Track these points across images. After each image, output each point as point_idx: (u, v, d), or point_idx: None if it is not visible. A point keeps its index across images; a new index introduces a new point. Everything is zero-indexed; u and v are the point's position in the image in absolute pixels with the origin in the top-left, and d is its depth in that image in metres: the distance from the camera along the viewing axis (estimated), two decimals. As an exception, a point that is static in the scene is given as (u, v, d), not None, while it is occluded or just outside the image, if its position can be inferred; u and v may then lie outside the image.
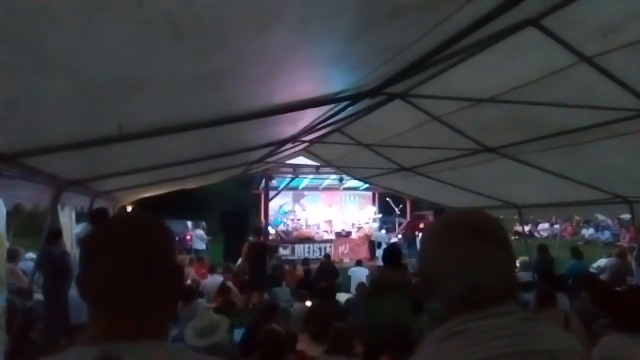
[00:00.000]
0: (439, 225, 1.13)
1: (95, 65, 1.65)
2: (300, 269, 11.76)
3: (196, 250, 16.09)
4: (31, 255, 8.63)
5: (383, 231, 18.11)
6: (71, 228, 7.39)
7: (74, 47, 1.45)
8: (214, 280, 9.73)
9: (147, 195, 8.26)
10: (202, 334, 4.14)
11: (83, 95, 1.98)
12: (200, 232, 18.24)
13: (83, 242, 1.01)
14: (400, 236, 18.65)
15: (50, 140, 2.58)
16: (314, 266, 12.08)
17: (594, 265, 10.91)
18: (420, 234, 18.57)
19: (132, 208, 8.38)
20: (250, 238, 10.27)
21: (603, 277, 9.26)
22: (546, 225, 22.55)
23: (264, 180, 16.70)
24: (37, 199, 3.83)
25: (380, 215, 19.01)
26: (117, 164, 4.34)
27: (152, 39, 1.49)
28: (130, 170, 4.65)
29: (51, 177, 3.83)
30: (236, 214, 16.27)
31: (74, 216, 7.33)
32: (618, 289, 6.30)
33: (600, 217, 10.28)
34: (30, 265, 7.63)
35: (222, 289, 8.46)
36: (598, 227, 21.20)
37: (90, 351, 0.88)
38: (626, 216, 6.81)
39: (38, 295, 6.35)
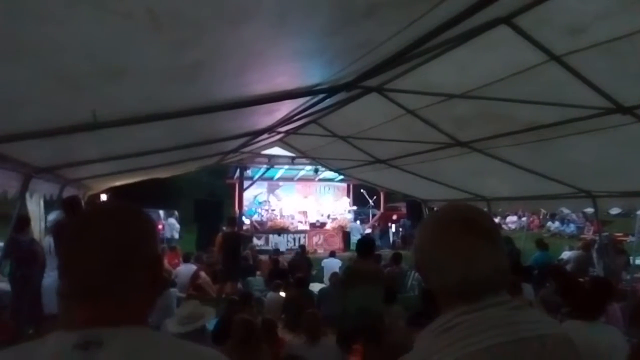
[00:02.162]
0: (433, 220, 1.17)
1: (70, 54, 1.63)
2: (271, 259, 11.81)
3: (168, 240, 15.92)
4: (-2, 243, 8.38)
5: (358, 222, 18.28)
6: (39, 216, 7.22)
7: (50, 35, 1.43)
8: (187, 269, 9.68)
9: (118, 183, 8.12)
10: (184, 322, 4.13)
11: (56, 83, 1.95)
12: (172, 221, 18.01)
13: (64, 229, 1.01)
14: (374, 227, 18.85)
15: (20, 127, 2.53)
16: (287, 256, 12.16)
17: (559, 257, 11.29)
18: (393, 225, 18.83)
19: (109, 197, 8.23)
20: (224, 228, 10.21)
21: (567, 268, 9.61)
22: (514, 218, 23.14)
23: (238, 170, 16.61)
24: (5, 186, 3.75)
25: (355, 208, 19.17)
26: (88, 152, 4.27)
27: (130, 30, 1.49)
28: (102, 158, 4.58)
29: (20, 164, 3.75)
30: (210, 204, 16.10)
31: (42, 204, 7.16)
32: (581, 279, 6.56)
33: (565, 210, 10.62)
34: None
35: (194, 277, 8.45)
36: (564, 221, 21.86)
37: (70, 336, 0.89)
38: (589, 210, 7.06)
39: (4, 284, 6.21)
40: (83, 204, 5.91)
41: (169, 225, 17.78)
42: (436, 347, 1.02)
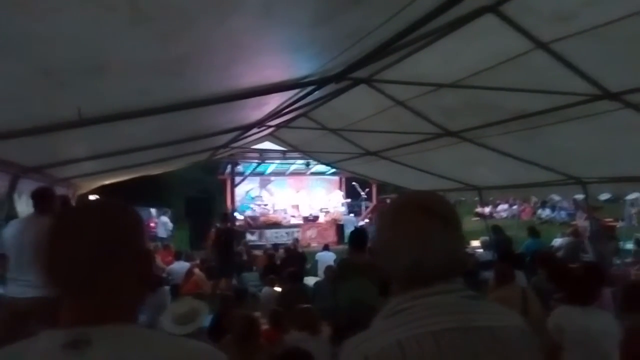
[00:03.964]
0: (390, 205, 1.17)
1: (53, 48, 1.61)
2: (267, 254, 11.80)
3: (161, 239, 15.82)
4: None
5: (352, 215, 18.30)
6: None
7: (32, 30, 1.41)
8: (180, 266, 9.66)
9: (108, 182, 8.05)
10: (182, 321, 4.10)
11: (40, 79, 1.92)
12: (165, 219, 17.87)
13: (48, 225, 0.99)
14: (368, 220, 18.89)
15: (5, 125, 2.49)
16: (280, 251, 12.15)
17: (550, 244, 11.37)
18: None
19: (98, 195, 8.15)
20: (218, 224, 10.18)
21: (558, 255, 9.69)
22: (505, 206, 23.30)
23: (229, 166, 16.53)
24: (-8, 186, 3.71)
25: (348, 200, 19.20)
26: (76, 150, 4.23)
27: (113, 22, 1.46)
28: (90, 157, 4.54)
29: (6, 164, 3.70)
30: (202, 200, 16.08)
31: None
32: (572, 265, 6.62)
33: (556, 197, 10.75)
34: None
35: (188, 274, 8.43)
36: (554, 208, 22.03)
37: (59, 335, 0.88)
38: (580, 196, 7.12)
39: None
40: (72, 203, 5.85)
41: (162, 223, 17.66)
42: (380, 329, 1.03)
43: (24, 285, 3.74)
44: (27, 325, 3.51)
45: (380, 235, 1.13)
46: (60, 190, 5.70)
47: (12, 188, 3.97)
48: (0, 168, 3.68)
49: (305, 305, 4.66)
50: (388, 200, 20.22)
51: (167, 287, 7.50)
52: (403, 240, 1.05)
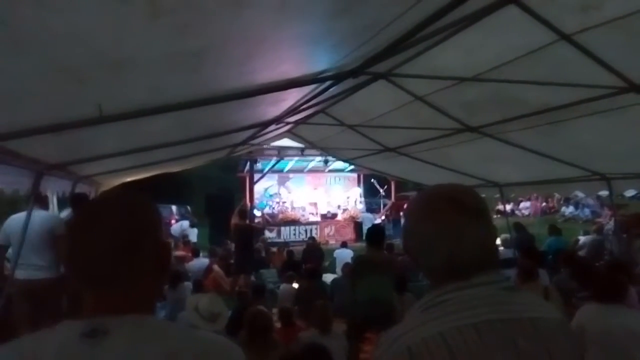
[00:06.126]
0: (420, 199, 1.16)
1: (72, 44, 1.62)
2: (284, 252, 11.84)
3: (174, 237, 15.94)
4: (13, 241, 8.48)
5: (370, 213, 18.24)
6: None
7: (50, 26, 1.42)
8: (200, 263, 9.75)
9: (130, 179, 8.16)
10: (211, 318, 4.14)
11: (60, 76, 1.94)
12: (186, 224, 17.97)
13: (70, 220, 1.01)
14: (384, 217, 18.81)
15: (28, 123, 2.53)
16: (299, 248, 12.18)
17: (573, 242, 11.13)
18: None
19: (117, 188, 8.26)
20: (237, 221, 10.24)
21: (581, 253, 9.49)
22: (527, 204, 22.92)
23: (248, 163, 16.63)
24: (17, 183, 3.76)
25: (364, 200, 19.14)
26: (98, 147, 4.28)
27: (130, 17, 1.47)
28: (112, 154, 4.59)
29: (31, 161, 3.76)
30: (221, 198, 16.20)
31: (55, 201, 7.21)
32: (596, 264, 6.49)
33: (579, 194, 10.52)
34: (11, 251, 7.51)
35: (207, 270, 8.49)
36: (578, 205, 21.57)
37: (77, 325, 0.89)
38: (604, 193, 6.96)
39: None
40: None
41: (180, 224, 17.75)
42: (420, 321, 1.02)
43: (33, 269, 4.45)
44: (37, 302, 4.28)
45: (412, 229, 1.12)
46: (83, 188, 5.80)
47: (37, 185, 4.04)
48: (24, 165, 3.73)
49: (319, 302, 4.66)
50: (410, 195, 20.10)
51: (187, 283, 7.58)
52: (437, 234, 1.05)
